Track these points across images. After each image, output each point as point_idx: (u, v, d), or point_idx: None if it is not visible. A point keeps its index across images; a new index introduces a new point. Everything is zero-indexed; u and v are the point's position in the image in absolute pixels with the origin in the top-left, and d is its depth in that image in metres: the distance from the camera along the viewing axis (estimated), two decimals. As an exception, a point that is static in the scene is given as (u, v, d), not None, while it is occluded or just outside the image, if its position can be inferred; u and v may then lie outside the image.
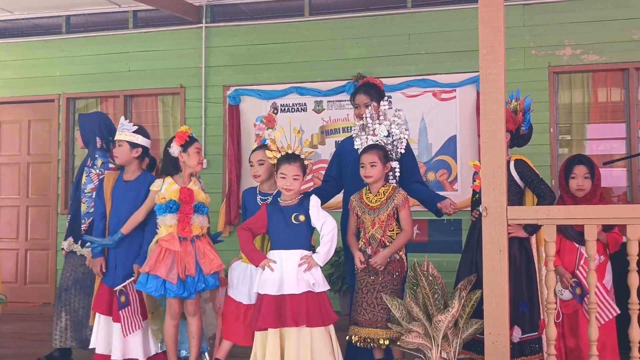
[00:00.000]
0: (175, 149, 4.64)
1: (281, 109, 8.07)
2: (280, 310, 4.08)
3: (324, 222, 4.19)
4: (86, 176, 5.09)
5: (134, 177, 4.87)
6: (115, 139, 4.90)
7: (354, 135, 4.61)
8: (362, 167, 4.37)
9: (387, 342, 4.16)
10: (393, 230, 4.32)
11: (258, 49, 8.24)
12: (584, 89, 7.47)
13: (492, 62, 3.52)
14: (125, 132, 4.84)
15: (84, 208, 5.06)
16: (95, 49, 8.75)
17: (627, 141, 7.27)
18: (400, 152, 4.53)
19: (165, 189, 4.59)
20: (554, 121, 7.39)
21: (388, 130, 4.48)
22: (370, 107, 4.62)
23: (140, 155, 4.90)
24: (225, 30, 8.41)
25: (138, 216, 4.71)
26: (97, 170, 5.08)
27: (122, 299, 4.66)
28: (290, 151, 4.27)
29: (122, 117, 5.07)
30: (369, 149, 4.40)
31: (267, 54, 8.20)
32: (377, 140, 4.47)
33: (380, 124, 4.50)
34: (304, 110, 8.01)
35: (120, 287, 4.69)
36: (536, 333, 4.20)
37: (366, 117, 4.53)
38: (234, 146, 8.04)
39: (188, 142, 4.65)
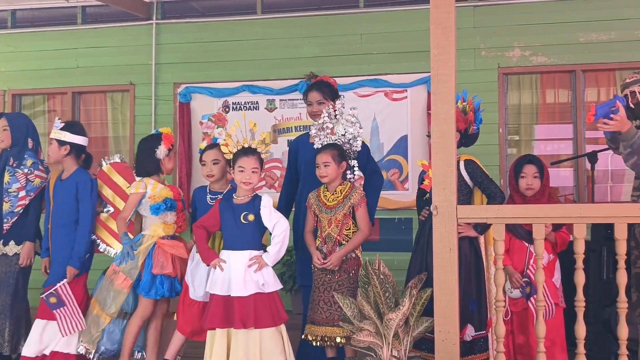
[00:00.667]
0: (162, 151, 4.62)
1: (233, 107, 8.02)
2: (228, 311, 4.06)
3: (276, 223, 4.16)
4: (10, 176, 4.98)
5: (69, 175, 4.80)
6: (49, 137, 4.88)
7: (312, 135, 4.58)
8: (317, 167, 4.36)
9: (343, 341, 4.17)
10: (349, 229, 4.32)
11: (209, 47, 8.17)
12: (533, 90, 7.60)
13: (443, 62, 3.55)
14: (54, 130, 4.80)
15: (6, 207, 4.96)
16: (42, 44, 8.56)
17: (574, 142, 7.43)
18: (356, 151, 4.53)
19: (152, 189, 4.56)
20: (503, 122, 7.50)
21: (345, 129, 4.48)
22: (329, 106, 4.59)
23: (72, 152, 4.81)
24: (176, 27, 8.32)
25: (124, 218, 4.63)
26: (26, 170, 4.98)
27: (53, 300, 4.56)
28: (247, 145, 4.24)
29: (57, 117, 5.01)
30: (322, 149, 4.40)
31: (219, 51, 8.14)
32: (336, 140, 4.46)
33: (337, 122, 4.49)
34: (256, 109, 7.97)
35: (51, 291, 4.59)
36: (484, 331, 4.25)
37: (324, 117, 4.51)
38: (185, 144, 7.97)
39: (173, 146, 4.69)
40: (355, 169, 4.48)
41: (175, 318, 4.58)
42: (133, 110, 8.32)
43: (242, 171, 4.18)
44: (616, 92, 7.29)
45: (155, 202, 4.54)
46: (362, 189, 4.44)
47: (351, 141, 4.49)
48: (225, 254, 4.18)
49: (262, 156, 4.27)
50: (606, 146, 5.62)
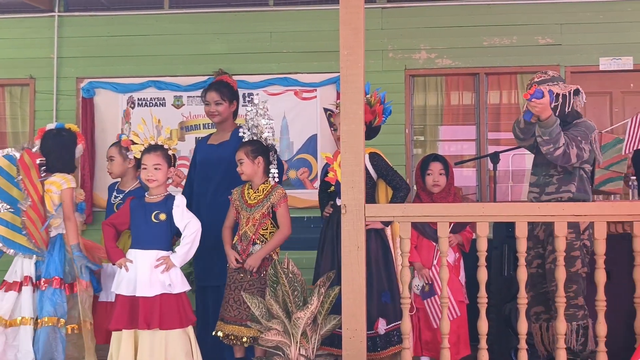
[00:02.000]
0: (79, 149, 4.52)
1: (138, 103, 7.85)
2: (133, 312, 3.98)
3: (187, 223, 4.10)
4: None
5: None
6: None
7: (241, 134, 4.53)
8: (145, 168, 4.21)
9: (249, 341, 4.14)
10: (267, 229, 4.29)
11: (115, 41, 7.95)
12: (438, 92, 7.78)
13: (352, 63, 3.58)
14: None
15: None
16: None
17: (477, 143, 7.64)
18: (272, 144, 4.50)
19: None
20: (409, 122, 7.64)
21: (258, 124, 4.45)
22: (256, 103, 4.53)
23: None
24: (80, 20, 8.05)
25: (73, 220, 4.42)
26: None
27: None
28: (153, 142, 4.16)
29: None
30: (239, 146, 4.37)
31: (125, 46, 7.93)
32: (251, 136, 4.44)
33: (259, 119, 4.46)
34: (162, 105, 7.83)
35: None
36: (397, 323, 4.26)
37: (250, 116, 4.47)
38: (87, 140, 7.74)
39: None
40: (272, 167, 4.43)
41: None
42: (33, 105, 7.99)
43: (145, 168, 4.11)
44: (518, 95, 7.58)
45: (79, 200, 4.40)
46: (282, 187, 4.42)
47: (265, 134, 4.45)
48: (132, 253, 4.09)
49: (170, 152, 4.19)
50: (507, 147, 5.82)
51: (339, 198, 4.26)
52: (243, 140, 4.47)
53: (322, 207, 4.61)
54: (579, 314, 4.04)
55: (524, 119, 4.13)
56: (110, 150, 4.60)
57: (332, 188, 4.36)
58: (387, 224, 4.36)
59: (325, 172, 4.55)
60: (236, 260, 4.26)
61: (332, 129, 4.95)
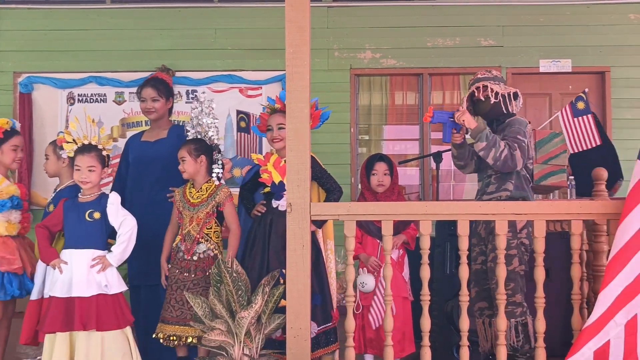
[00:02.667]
0: None
1: (79, 99, 7.71)
2: (68, 313, 3.88)
3: (122, 221, 4.01)
4: None
5: None
6: None
7: (187, 131, 4.47)
8: (78, 169, 4.12)
9: (194, 341, 4.09)
10: (211, 228, 4.24)
11: (54, 35, 7.79)
12: (382, 92, 7.84)
13: (297, 61, 3.57)
14: None
15: None
16: None
17: (421, 142, 7.74)
18: (215, 143, 4.45)
19: None
20: (354, 121, 7.68)
21: (202, 122, 4.40)
22: (201, 101, 4.47)
23: None
24: (17, 13, 7.86)
25: None
26: None
27: None
28: (86, 142, 4.07)
29: None
30: (182, 144, 4.31)
31: (65, 40, 7.79)
32: (203, 135, 4.38)
33: (203, 117, 4.41)
34: (103, 101, 7.70)
35: None
36: (330, 324, 4.27)
37: (195, 113, 4.41)
38: (25, 136, 7.55)
39: (2, 139, 4.38)
40: (215, 166, 4.38)
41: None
42: (-31, 99, 7.79)
43: (78, 170, 4.03)
44: (460, 95, 7.69)
45: (1, 198, 4.26)
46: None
47: (210, 133, 4.41)
48: (66, 253, 3.99)
49: (104, 153, 4.11)
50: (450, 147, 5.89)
51: (275, 199, 4.26)
52: (187, 138, 4.41)
53: (246, 206, 4.52)
54: (517, 311, 4.12)
55: (446, 142, 4.25)
56: (46, 149, 4.51)
57: (268, 189, 4.32)
58: (319, 225, 4.32)
59: (253, 173, 4.50)
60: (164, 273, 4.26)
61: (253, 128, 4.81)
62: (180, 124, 5.80)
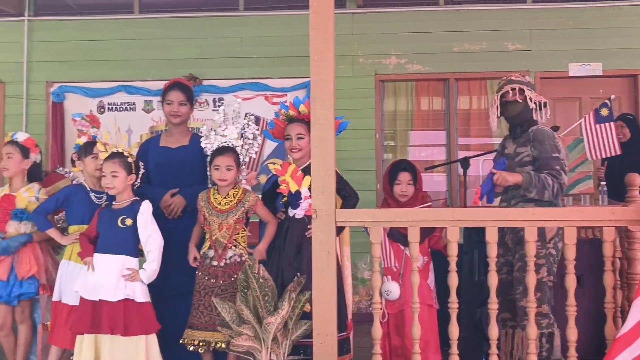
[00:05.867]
0: None
1: (109, 108, 7.81)
2: (96, 316, 3.95)
3: (148, 238, 4.07)
4: None
5: None
6: None
7: (203, 135, 4.47)
8: (217, 169, 4.24)
9: (223, 345, 4.09)
10: (239, 234, 4.25)
11: (85, 45, 7.91)
12: (408, 97, 7.81)
13: (322, 68, 3.57)
14: None
15: None
16: None
17: (447, 148, 7.70)
18: (250, 157, 4.47)
19: None
20: (379, 127, 7.66)
21: (241, 133, 4.40)
22: (223, 108, 4.50)
23: None
24: (50, 25, 8.01)
25: None
26: None
27: None
28: (115, 150, 4.13)
29: None
30: (224, 151, 4.28)
31: (95, 50, 7.89)
32: (226, 142, 4.37)
33: (230, 125, 4.41)
34: (132, 110, 7.79)
35: None
36: (344, 333, 4.21)
37: (220, 117, 4.42)
38: (58, 145, 7.71)
39: None
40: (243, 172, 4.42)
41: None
42: (3, 109, 7.97)
43: (104, 176, 4.12)
44: (487, 100, 7.63)
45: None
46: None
47: (247, 146, 4.41)
48: (98, 257, 4.05)
49: (129, 160, 4.15)
50: (478, 152, 5.85)
51: (292, 208, 4.26)
52: (225, 145, 4.38)
53: None
54: (543, 322, 4.06)
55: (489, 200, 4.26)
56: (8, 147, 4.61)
57: (285, 199, 4.32)
58: (337, 232, 4.28)
59: (272, 182, 4.50)
60: (195, 258, 4.25)
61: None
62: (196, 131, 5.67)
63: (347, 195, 4.34)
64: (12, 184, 4.57)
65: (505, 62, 7.52)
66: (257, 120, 7.54)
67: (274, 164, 4.62)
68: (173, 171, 4.69)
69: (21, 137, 4.62)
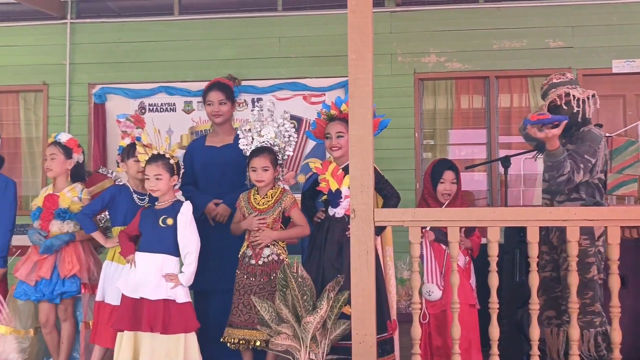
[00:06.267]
0: None
1: (149, 109, 7.89)
2: (136, 313, 4.01)
3: (187, 241, 4.10)
4: None
5: None
6: None
7: (240, 135, 4.49)
8: (254, 170, 4.26)
9: (262, 344, 4.10)
10: None
11: (126, 47, 8.02)
12: (448, 96, 7.75)
13: (360, 67, 3.56)
14: None
15: None
16: (-52, 42, 8.21)
17: (488, 146, 7.61)
18: (288, 155, 4.48)
19: None
20: (418, 126, 7.62)
21: (277, 133, 4.41)
22: (258, 107, 4.53)
23: None
24: (91, 27, 8.13)
25: None
26: None
27: None
28: (155, 152, 4.18)
29: None
30: (260, 152, 4.29)
31: (136, 52, 8.00)
32: (264, 142, 4.39)
33: (267, 125, 4.42)
34: (173, 110, 7.87)
35: None
36: (386, 334, 4.19)
37: (254, 117, 4.44)
38: (100, 146, 7.81)
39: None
40: (283, 172, 4.44)
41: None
42: (46, 110, 8.11)
43: (147, 178, 4.17)
44: (529, 98, 7.53)
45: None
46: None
47: (284, 145, 4.42)
48: (139, 255, 4.12)
49: (172, 161, 4.18)
50: (519, 151, 5.77)
51: (332, 207, 4.25)
52: (261, 146, 4.39)
53: (308, 213, 4.53)
54: (596, 320, 4.00)
55: (523, 133, 4.14)
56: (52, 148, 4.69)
57: (325, 197, 4.31)
58: (378, 232, 4.26)
59: (312, 181, 4.50)
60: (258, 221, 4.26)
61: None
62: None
63: (388, 195, 4.33)
64: (55, 184, 4.64)
65: (546, 60, 7.42)
66: (299, 120, 7.56)
67: (314, 162, 4.61)
68: (218, 169, 4.75)
69: (64, 137, 4.69)
